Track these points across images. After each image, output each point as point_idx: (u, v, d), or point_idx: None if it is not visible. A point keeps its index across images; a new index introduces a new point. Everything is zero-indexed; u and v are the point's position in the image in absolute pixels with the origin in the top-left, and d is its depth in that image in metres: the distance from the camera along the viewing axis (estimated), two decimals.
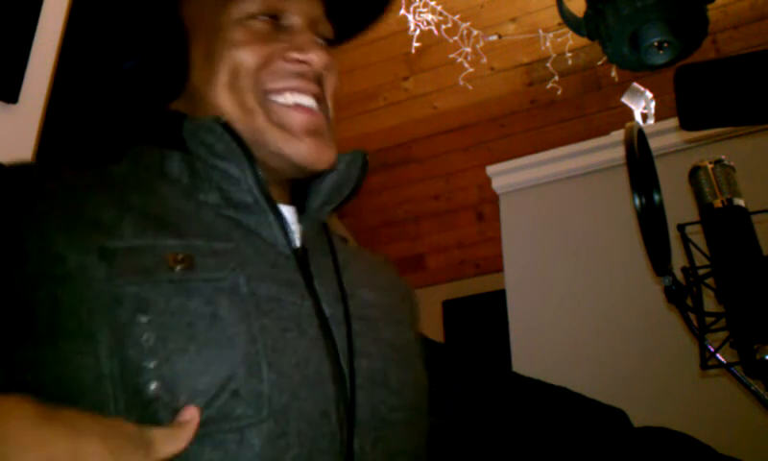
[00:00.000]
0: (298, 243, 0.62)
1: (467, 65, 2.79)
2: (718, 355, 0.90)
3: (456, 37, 2.75)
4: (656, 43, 1.66)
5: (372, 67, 3.11)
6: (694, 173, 0.94)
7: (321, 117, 0.65)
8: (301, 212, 0.65)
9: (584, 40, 2.18)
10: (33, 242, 0.51)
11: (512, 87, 3.06)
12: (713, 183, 0.92)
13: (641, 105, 2.27)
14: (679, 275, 0.96)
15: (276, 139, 0.62)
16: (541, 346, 2.15)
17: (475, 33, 2.77)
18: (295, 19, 0.65)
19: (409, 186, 3.49)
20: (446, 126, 3.27)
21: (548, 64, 2.80)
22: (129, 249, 0.52)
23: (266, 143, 0.62)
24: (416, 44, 2.73)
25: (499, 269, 2.46)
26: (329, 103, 0.67)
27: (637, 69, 1.81)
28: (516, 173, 2.45)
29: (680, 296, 0.93)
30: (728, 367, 0.89)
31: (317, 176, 0.66)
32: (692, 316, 0.94)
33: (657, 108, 2.29)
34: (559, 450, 0.83)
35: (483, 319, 3.47)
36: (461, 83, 2.87)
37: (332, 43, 0.70)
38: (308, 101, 0.64)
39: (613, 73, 2.70)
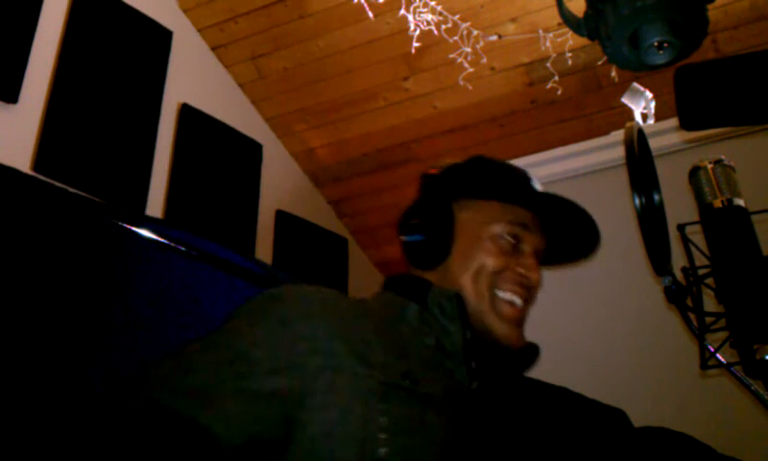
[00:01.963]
0: (476, 385, 0.84)
1: (467, 65, 2.79)
2: (718, 355, 0.90)
3: (456, 37, 2.75)
4: (656, 43, 1.66)
5: (371, 67, 3.12)
6: (694, 173, 0.94)
7: (523, 313, 0.91)
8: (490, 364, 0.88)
9: (584, 40, 2.18)
10: (321, 343, 0.76)
11: (512, 87, 3.06)
12: (713, 183, 0.92)
13: (641, 105, 2.27)
14: (679, 275, 0.96)
15: (491, 321, 0.88)
16: (541, 346, 2.15)
17: (475, 33, 2.77)
18: (526, 247, 0.92)
19: (409, 186, 3.48)
20: (446, 126, 3.27)
21: (548, 64, 2.80)
22: (380, 361, 0.77)
23: (483, 320, 0.87)
24: (416, 44, 2.73)
25: None
26: (531, 304, 0.93)
27: (637, 69, 1.81)
28: None
29: (680, 296, 0.93)
30: (728, 367, 0.89)
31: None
32: (692, 316, 0.94)
33: (657, 108, 2.29)
34: (559, 450, 0.83)
35: None
36: (461, 83, 2.87)
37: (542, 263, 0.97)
38: (519, 301, 0.90)
39: (613, 73, 2.71)
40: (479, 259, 0.89)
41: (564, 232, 0.97)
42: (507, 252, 0.90)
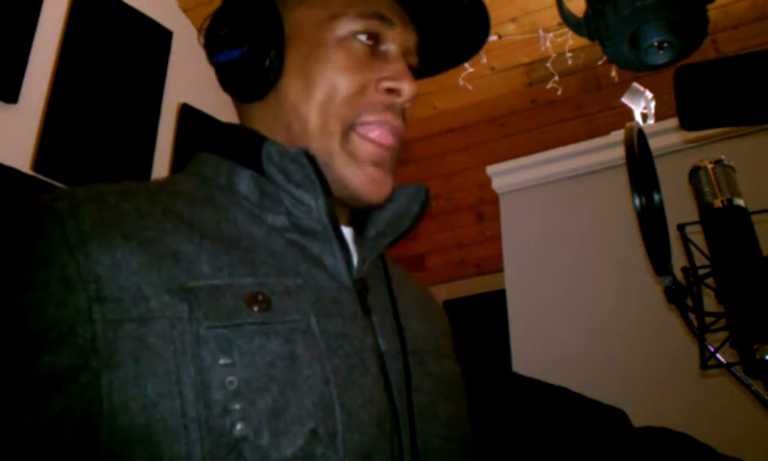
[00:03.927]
0: (356, 272, 0.63)
1: (467, 65, 2.79)
2: (718, 355, 0.90)
3: None
4: (656, 43, 1.66)
5: None
6: (694, 173, 0.94)
7: (389, 152, 0.67)
8: (360, 236, 0.67)
9: (584, 40, 2.18)
10: (114, 282, 0.50)
11: (512, 87, 3.06)
12: (713, 183, 0.91)
13: (641, 105, 2.27)
14: (679, 275, 0.96)
15: (340, 164, 0.63)
16: (541, 346, 2.15)
17: None
18: (391, 47, 0.67)
19: None
20: (446, 126, 3.27)
21: (548, 64, 2.80)
22: (209, 288, 0.51)
23: (333, 166, 0.63)
24: None
25: (499, 269, 2.46)
26: (402, 137, 0.69)
27: (637, 69, 1.81)
28: (516, 173, 2.45)
29: (680, 296, 0.93)
30: (728, 367, 0.89)
31: (377, 206, 0.67)
32: (692, 316, 0.94)
33: (657, 108, 2.29)
34: (559, 451, 0.83)
35: (483, 319, 3.47)
36: (461, 83, 2.87)
37: (417, 75, 0.72)
38: (387, 135, 0.66)
39: (613, 73, 2.71)
40: (326, 79, 0.63)
41: (441, 19, 0.71)
42: (364, 61, 0.65)
